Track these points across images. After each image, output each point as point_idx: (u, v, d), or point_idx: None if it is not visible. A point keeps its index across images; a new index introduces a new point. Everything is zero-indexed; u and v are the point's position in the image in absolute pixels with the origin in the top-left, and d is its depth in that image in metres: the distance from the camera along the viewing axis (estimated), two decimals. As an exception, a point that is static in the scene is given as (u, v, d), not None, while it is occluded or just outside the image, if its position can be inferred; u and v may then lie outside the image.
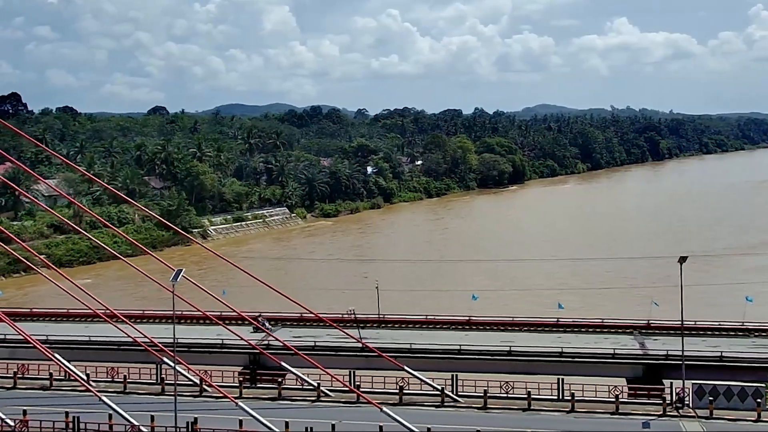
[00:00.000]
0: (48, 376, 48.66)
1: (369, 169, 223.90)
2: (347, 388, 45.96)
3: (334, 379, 46.86)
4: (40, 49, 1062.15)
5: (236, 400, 39.43)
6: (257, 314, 56.91)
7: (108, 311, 49.21)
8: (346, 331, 50.10)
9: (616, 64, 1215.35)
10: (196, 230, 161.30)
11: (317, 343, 52.83)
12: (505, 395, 47.10)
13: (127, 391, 46.35)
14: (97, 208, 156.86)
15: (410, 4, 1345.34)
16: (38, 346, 43.28)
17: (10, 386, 47.20)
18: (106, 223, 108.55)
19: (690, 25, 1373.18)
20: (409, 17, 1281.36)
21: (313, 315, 55.92)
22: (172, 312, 41.33)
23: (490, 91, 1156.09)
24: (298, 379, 48.08)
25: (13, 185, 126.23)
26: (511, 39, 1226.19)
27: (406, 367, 47.38)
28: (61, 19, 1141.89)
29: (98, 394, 39.87)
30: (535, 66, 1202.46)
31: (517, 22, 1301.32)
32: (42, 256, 78.45)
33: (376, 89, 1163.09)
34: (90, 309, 51.01)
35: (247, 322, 55.88)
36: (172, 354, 41.94)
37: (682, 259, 47.35)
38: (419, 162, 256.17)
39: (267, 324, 55.49)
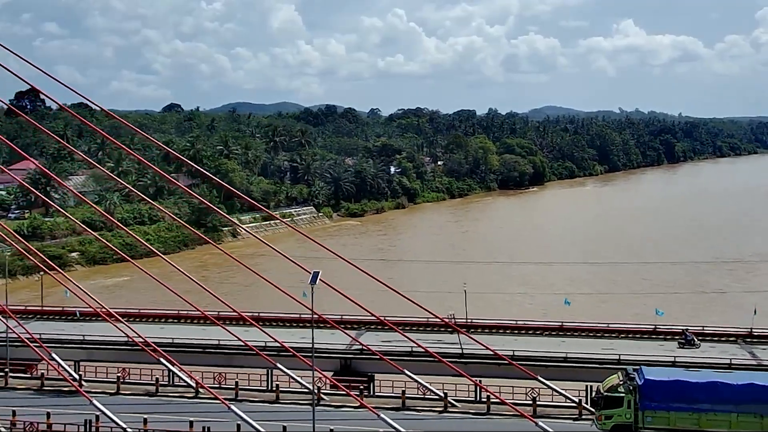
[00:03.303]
0: (154, 382, 46.27)
1: (392, 169, 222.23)
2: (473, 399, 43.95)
3: (456, 387, 44.75)
4: (48, 45, 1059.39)
5: (377, 412, 37.19)
6: (684, 327, 54.80)
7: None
8: (473, 337, 47.47)
9: (624, 66, 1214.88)
10: (225, 228, 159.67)
11: (442, 350, 50.29)
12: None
13: (239, 398, 44.17)
14: (128, 206, 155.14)
15: (417, 4, 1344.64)
16: (146, 350, 41.20)
17: (113, 392, 44.96)
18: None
19: (696, 28, 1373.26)
20: (415, 17, 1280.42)
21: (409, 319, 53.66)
22: (295, 315, 39.04)
23: (497, 92, 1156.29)
24: (420, 387, 45.87)
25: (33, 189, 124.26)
26: (518, 40, 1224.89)
27: (539, 377, 45.42)
28: (69, 15, 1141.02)
29: (227, 402, 37.63)
30: (542, 67, 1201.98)
31: (524, 23, 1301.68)
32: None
33: (383, 88, 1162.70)
34: (198, 310, 48.65)
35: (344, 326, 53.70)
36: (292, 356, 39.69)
37: None
38: (440, 162, 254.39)
39: (695, 339, 53.48)
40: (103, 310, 47.02)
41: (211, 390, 41.15)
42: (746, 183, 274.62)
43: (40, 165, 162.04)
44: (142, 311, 63.24)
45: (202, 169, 74.58)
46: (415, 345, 52.41)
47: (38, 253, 55.69)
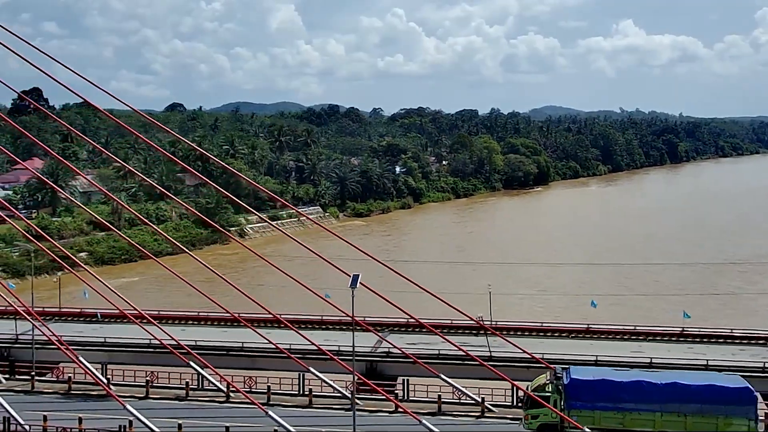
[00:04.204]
0: (184, 385, 45.33)
1: (397, 169, 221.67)
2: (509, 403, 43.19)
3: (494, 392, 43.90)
4: (48, 45, 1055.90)
5: (420, 418, 36.47)
6: None
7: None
8: (510, 340, 46.50)
9: (623, 66, 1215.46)
10: (233, 228, 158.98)
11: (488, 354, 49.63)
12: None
13: (271, 402, 43.30)
14: (135, 205, 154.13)
15: (416, 4, 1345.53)
16: (175, 353, 40.45)
17: (142, 396, 44.16)
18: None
19: (696, 28, 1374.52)
20: (414, 17, 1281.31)
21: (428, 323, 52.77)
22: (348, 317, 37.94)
23: (497, 92, 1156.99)
24: (455, 392, 45.08)
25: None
26: (517, 40, 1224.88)
27: None
28: (68, 15, 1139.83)
29: (264, 408, 36.85)
30: (542, 67, 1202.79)
31: (523, 23, 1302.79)
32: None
33: (382, 89, 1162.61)
34: (229, 313, 47.83)
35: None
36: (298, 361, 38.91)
37: None
38: (445, 162, 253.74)
39: None
40: (130, 311, 46.23)
41: (248, 395, 40.31)
42: (749, 183, 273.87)
43: (45, 166, 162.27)
44: (162, 313, 62.39)
45: (227, 166, 73.43)
46: (443, 347, 51.84)
47: (68, 253, 55.07)
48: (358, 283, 34.71)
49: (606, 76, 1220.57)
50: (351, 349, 51.56)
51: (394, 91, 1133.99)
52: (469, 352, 45.08)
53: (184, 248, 56.55)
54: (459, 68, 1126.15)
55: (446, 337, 52.53)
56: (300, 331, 56.12)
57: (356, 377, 42.19)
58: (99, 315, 58.23)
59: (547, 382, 41.87)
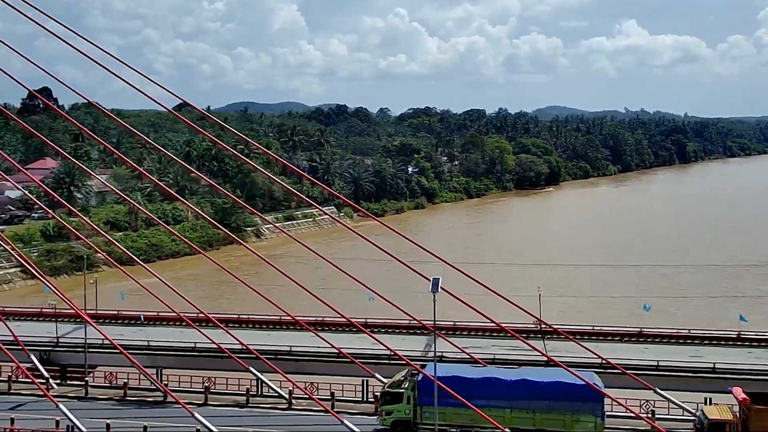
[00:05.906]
0: (244, 392, 43.95)
1: (410, 169, 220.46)
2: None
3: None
4: (50, 44, 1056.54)
5: (499, 425, 35.29)
6: None
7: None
8: (580, 343, 44.94)
9: (624, 66, 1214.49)
10: (249, 229, 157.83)
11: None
12: None
13: (336, 409, 41.95)
14: (150, 205, 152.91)
15: (418, 4, 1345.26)
16: (233, 356, 39.18)
17: (200, 402, 42.67)
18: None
19: (698, 28, 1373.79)
20: (416, 17, 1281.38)
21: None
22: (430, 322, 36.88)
23: (498, 92, 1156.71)
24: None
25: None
26: (519, 40, 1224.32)
27: (656, 388, 43.45)
28: (70, 15, 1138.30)
29: (338, 416, 35.56)
30: (543, 67, 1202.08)
31: (525, 23, 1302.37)
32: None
33: (383, 88, 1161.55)
34: (284, 315, 46.54)
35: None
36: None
37: None
38: (457, 162, 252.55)
39: None
40: (185, 314, 45.02)
41: (320, 402, 39.05)
42: (759, 184, 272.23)
43: (57, 165, 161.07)
44: (199, 315, 61.04)
45: (283, 161, 71.67)
46: (497, 352, 50.79)
47: (122, 247, 53.83)
48: (439, 287, 33.45)
49: (607, 76, 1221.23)
50: (404, 353, 50.53)
51: (394, 91, 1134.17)
52: (551, 357, 43.80)
53: (236, 238, 55.45)
54: (460, 68, 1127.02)
55: (492, 340, 51.68)
56: (341, 334, 55.08)
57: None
58: (142, 317, 57.02)
59: (403, 378, 42.26)
